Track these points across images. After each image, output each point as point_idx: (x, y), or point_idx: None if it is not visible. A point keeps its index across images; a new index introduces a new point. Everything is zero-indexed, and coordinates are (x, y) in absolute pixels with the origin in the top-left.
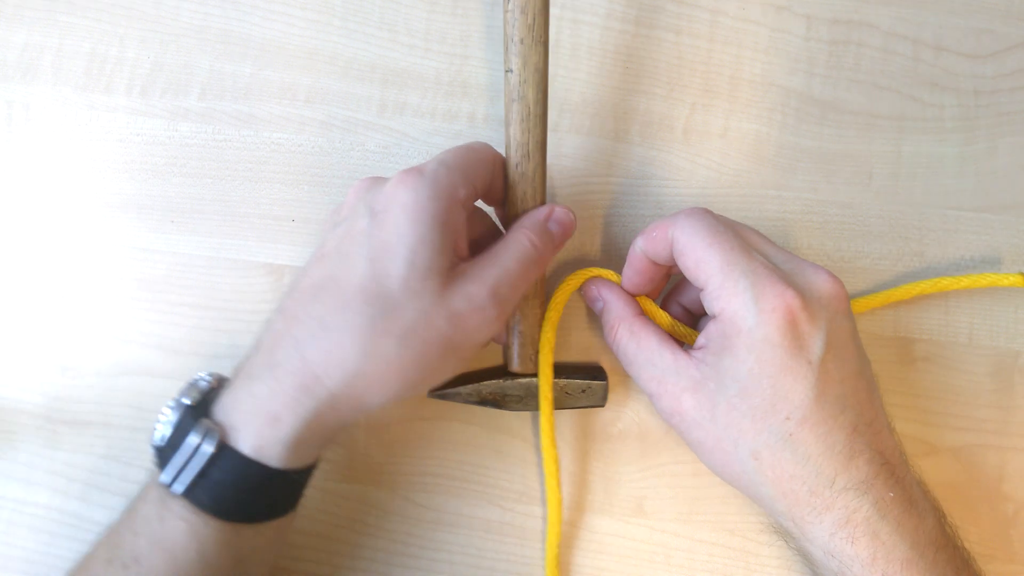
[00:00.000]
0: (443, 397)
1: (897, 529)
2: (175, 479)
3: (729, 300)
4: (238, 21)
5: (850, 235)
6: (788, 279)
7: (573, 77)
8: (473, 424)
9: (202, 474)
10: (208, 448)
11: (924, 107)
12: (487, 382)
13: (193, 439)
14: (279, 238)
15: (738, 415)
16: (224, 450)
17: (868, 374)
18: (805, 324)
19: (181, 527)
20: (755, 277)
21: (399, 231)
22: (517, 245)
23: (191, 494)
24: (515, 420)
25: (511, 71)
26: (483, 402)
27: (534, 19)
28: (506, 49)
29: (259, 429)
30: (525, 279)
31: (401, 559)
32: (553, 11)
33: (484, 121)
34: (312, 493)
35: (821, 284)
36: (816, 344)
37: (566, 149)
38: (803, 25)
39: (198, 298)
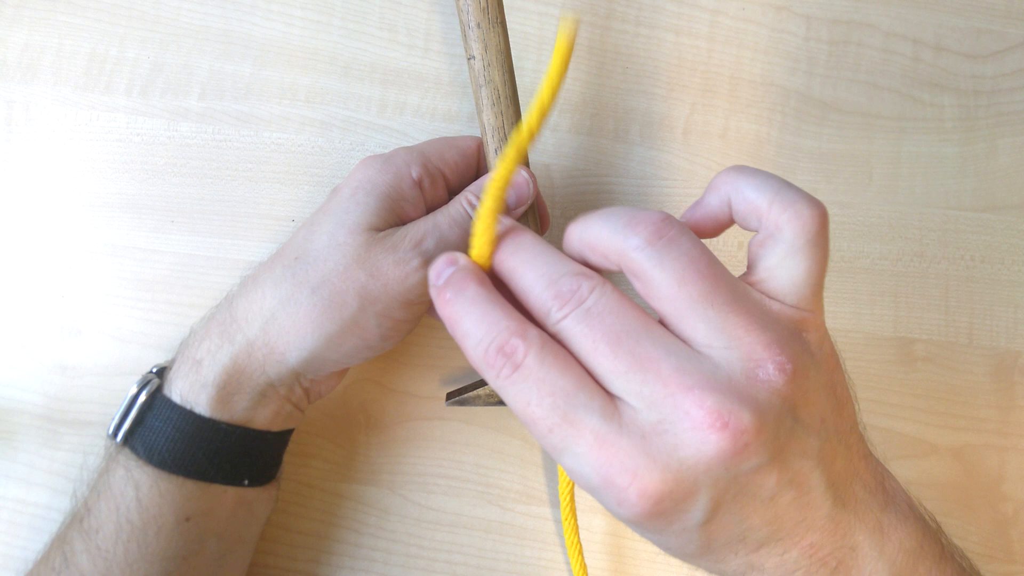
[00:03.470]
0: (461, 403)
1: None
2: (117, 429)
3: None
4: (238, 21)
5: (850, 235)
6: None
7: (573, 77)
8: (473, 424)
9: (139, 422)
10: (143, 396)
11: (924, 107)
12: None
13: (133, 390)
14: (279, 238)
15: None
16: (157, 398)
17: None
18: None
19: (120, 474)
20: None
21: (341, 197)
22: (453, 205)
23: (129, 442)
24: (515, 420)
25: (473, 57)
26: (503, 402)
27: (487, 2)
28: (464, 37)
29: (185, 375)
30: (461, 239)
31: (401, 559)
32: (553, 11)
33: None
34: (312, 493)
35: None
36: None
37: (566, 149)
38: (803, 25)
39: (198, 298)
